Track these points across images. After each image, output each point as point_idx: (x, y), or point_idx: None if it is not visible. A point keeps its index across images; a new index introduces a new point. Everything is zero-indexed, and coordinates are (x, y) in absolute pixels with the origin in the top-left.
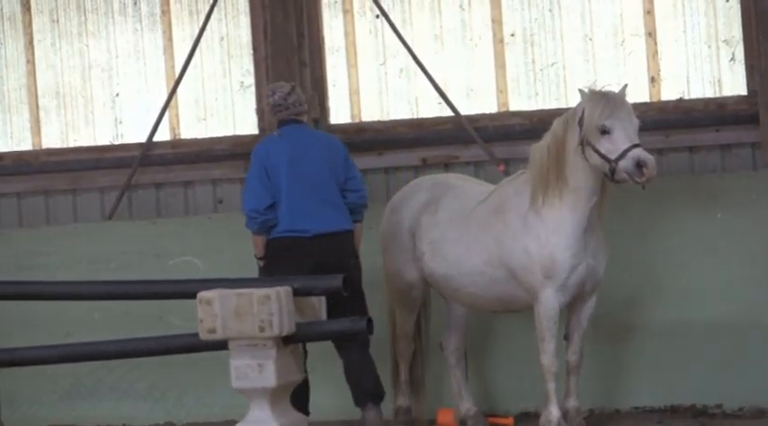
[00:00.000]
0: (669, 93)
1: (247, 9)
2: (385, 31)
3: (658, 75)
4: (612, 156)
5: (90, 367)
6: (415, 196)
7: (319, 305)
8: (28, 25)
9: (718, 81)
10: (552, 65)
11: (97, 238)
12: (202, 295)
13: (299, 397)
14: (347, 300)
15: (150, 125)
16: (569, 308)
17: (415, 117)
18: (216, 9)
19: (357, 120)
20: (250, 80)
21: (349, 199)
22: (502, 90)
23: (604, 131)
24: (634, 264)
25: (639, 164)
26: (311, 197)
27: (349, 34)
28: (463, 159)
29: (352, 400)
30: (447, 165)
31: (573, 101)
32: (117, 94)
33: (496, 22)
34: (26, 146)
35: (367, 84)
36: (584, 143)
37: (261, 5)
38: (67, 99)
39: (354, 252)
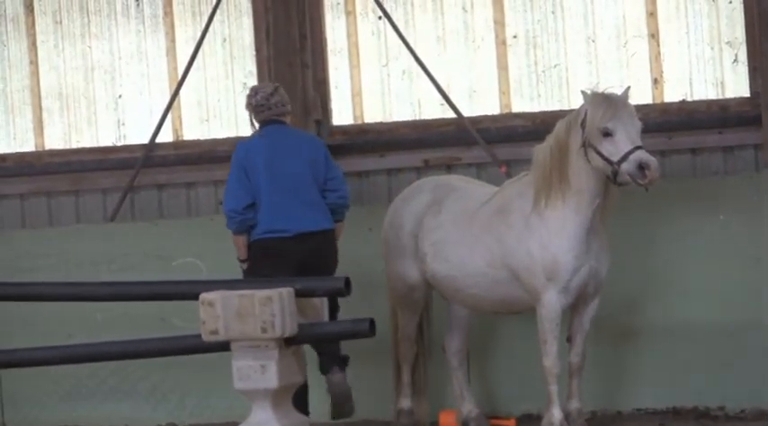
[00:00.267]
0: (672, 94)
1: (250, 11)
2: (387, 33)
3: (661, 76)
4: (615, 159)
5: (91, 368)
6: (418, 197)
7: (321, 306)
8: (31, 26)
9: (721, 83)
10: (555, 66)
11: (99, 239)
12: (204, 296)
13: (299, 398)
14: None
15: (153, 126)
16: (572, 310)
17: (417, 118)
18: (218, 11)
19: (359, 122)
20: (252, 81)
21: (329, 199)
22: (504, 91)
23: (607, 133)
24: (636, 266)
25: (642, 167)
26: (291, 197)
27: (351, 36)
28: (465, 161)
29: (318, 368)
30: (449, 167)
31: (575, 102)
32: (120, 96)
33: (499, 23)
34: (29, 147)
35: (369, 85)
36: (586, 145)
37: (263, 7)
38: (70, 100)
39: (336, 251)
